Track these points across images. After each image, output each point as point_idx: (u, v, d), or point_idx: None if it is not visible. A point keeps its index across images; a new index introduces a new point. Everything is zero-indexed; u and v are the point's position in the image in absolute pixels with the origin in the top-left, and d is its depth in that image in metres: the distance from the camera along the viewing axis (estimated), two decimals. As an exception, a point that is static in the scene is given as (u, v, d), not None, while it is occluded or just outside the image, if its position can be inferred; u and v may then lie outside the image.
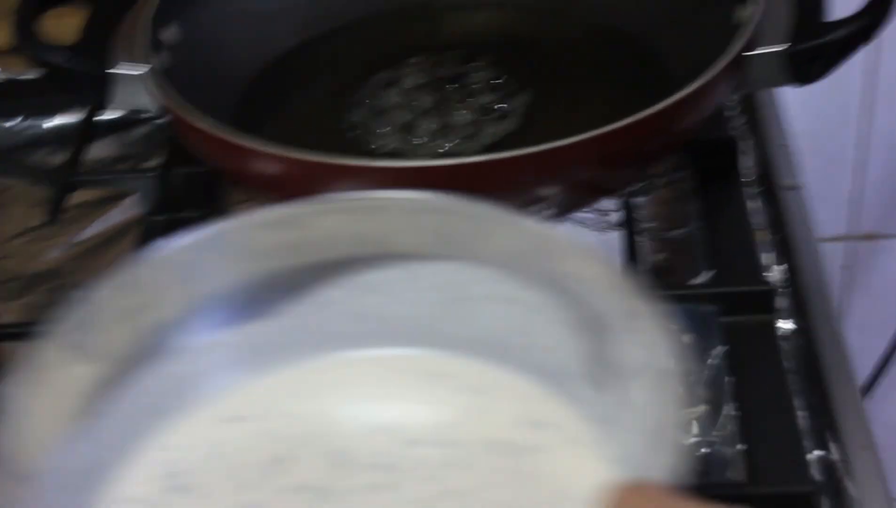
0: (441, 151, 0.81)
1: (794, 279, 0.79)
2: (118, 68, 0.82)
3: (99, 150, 1.00)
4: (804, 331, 0.76)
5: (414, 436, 0.53)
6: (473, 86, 0.86)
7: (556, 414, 0.53)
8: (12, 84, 1.04)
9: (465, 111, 0.84)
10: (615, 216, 0.87)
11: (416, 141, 0.82)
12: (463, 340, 0.56)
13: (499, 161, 0.69)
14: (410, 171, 0.70)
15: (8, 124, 1.03)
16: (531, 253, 0.53)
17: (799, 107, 0.95)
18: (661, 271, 0.85)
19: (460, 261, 0.55)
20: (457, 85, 0.86)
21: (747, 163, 0.88)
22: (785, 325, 0.76)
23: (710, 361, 0.77)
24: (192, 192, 0.89)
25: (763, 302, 0.75)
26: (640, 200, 0.90)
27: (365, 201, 0.55)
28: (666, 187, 0.91)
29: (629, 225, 0.81)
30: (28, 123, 1.03)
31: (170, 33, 0.85)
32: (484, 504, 0.51)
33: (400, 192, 0.55)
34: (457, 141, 0.82)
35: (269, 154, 0.71)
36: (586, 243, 0.52)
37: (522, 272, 0.54)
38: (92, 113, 0.93)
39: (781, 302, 0.77)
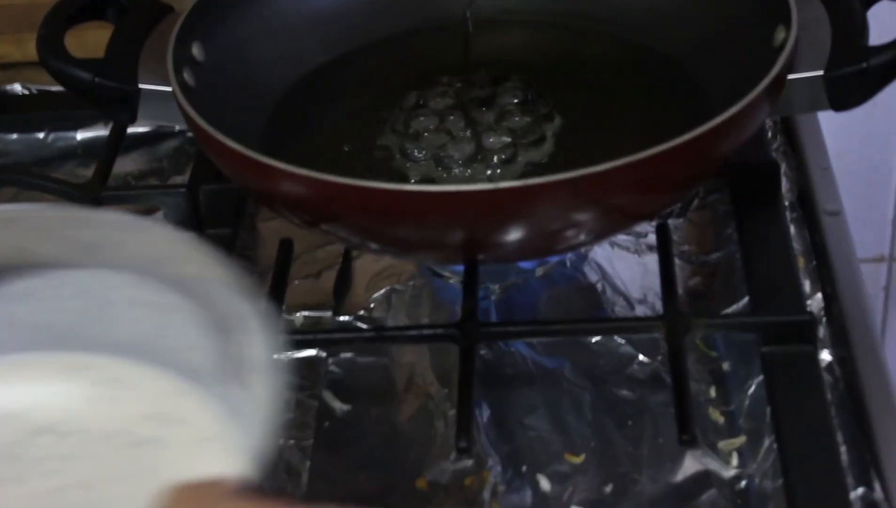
0: (478, 177, 0.79)
1: (834, 309, 0.76)
2: (144, 84, 0.80)
3: (128, 163, 0.99)
4: (846, 362, 0.74)
5: (40, 425, 0.56)
6: (508, 107, 0.84)
7: (188, 409, 0.57)
8: (41, 96, 1.03)
9: (500, 134, 0.81)
10: (651, 238, 0.85)
11: (451, 165, 0.80)
12: (107, 342, 0.58)
13: (534, 187, 0.67)
14: (445, 196, 0.68)
15: (38, 136, 1.02)
16: (161, 258, 0.57)
17: (839, 127, 0.93)
18: (697, 295, 0.83)
19: (100, 268, 0.57)
20: (490, 106, 0.84)
21: (785, 185, 0.86)
22: (826, 356, 0.74)
23: (749, 391, 0.75)
24: (219, 209, 0.88)
25: (804, 332, 0.73)
26: (677, 222, 0.88)
27: (1, 214, 0.58)
28: (702, 209, 0.89)
29: (665, 248, 0.79)
30: (58, 134, 1.02)
31: (196, 50, 0.83)
32: (103, 496, 0.53)
33: (34, 205, 0.60)
34: (494, 167, 0.80)
35: (298, 176, 0.70)
36: (207, 247, 0.57)
37: (156, 276, 0.57)
38: (119, 128, 0.92)
39: (823, 331, 0.76)
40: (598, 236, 0.75)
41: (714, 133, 0.70)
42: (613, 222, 0.74)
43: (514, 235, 0.71)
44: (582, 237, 0.74)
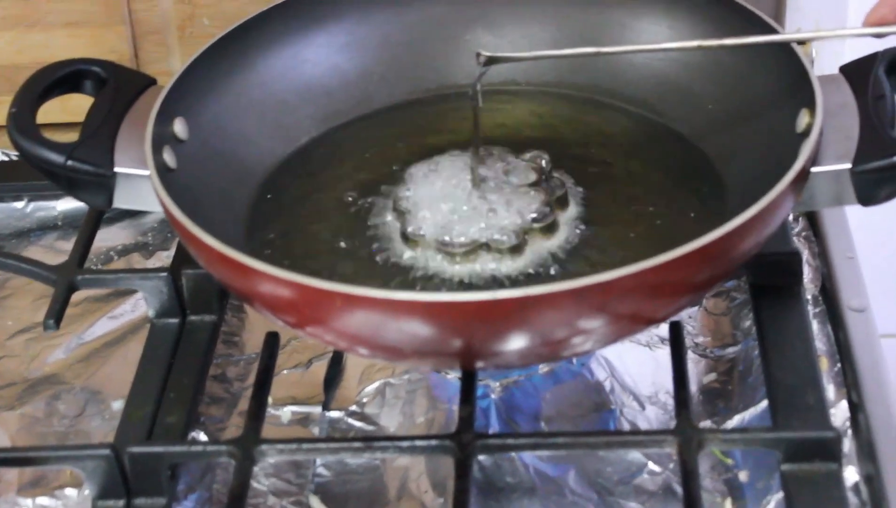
0: (483, 271, 0.74)
1: (861, 420, 0.71)
2: (121, 168, 0.75)
3: (112, 234, 0.94)
4: (873, 481, 0.68)
5: None
6: (519, 186, 0.78)
7: None
8: (21, 163, 0.98)
9: (509, 217, 0.76)
10: (664, 330, 0.79)
11: (454, 254, 0.74)
12: None
13: (536, 297, 0.62)
14: (439, 306, 0.63)
15: (17, 206, 0.97)
16: None
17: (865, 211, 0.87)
18: (713, 394, 0.78)
19: None
20: (500, 183, 0.79)
21: (807, 275, 0.81)
22: (852, 474, 0.68)
23: (768, 507, 0.69)
24: (203, 293, 0.82)
25: (828, 450, 0.67)
26: (691, 310, 0.82)
27: None
28: (717, 297, 0.83)
29: (678, 349, 0.73)
30: (37, 204, 0.97)
31: (178, 127, 0.78)
32: None
33: None
34: (500, 257, 0.74)
35: (279, 279, 0.64)
36: None
37: None
38: (97, 212, 0.86)
39: (848, 444, 0.70)
40: (606, 342, 0.70)
41: (731, 236, 0.65)
42: (622, 329, 0.68)
43: (513, 344, 0.65)
44: (588, 345, 0.69)
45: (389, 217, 0.79)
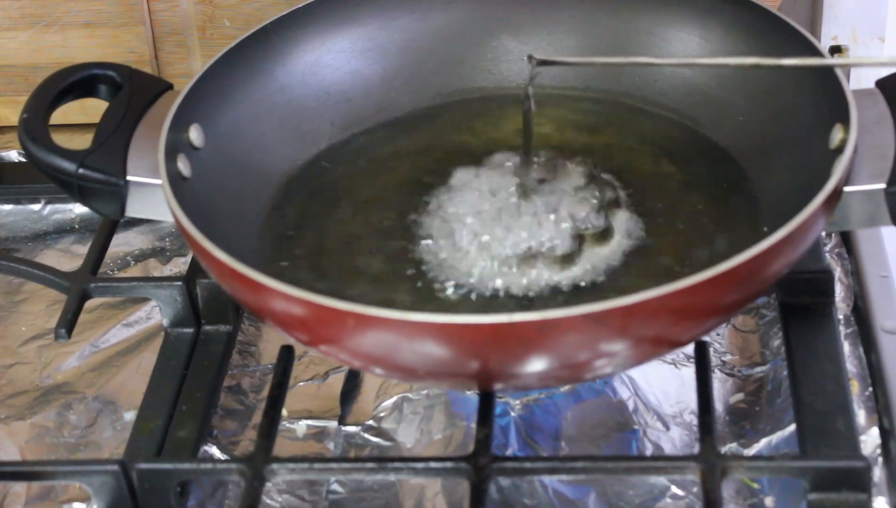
0: (538, 283, 0.71)
1: (892, 447, 0.68)
2: (134, 176, 0.73)
3: (129, 238, 0.93)
4: (904, 514, 0.66)
5: None
6: (569, 191, 0.75)
7: None
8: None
9: (555, 227, 0.73)
10: (690, 348, 0.77)
11: (502, 266, 0.72)
12: None
13: (553, 321, 0.60)
14: (450, 328, 0.60)
15: (34, 208, 0.95)
16: None
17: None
18: (739, 415, 0.75)
19: None
20: (550, 189, 0.76)
21: (838, 293, 0.78)
22: (882, 505, 0.66)
23: (795, 537, 0.67)
24: (218, 303, 0.80)
25: (857, 480, 0.65)
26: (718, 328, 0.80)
27: None
28: (746, 314, 0.81)
29: (703, 371, 0.71)
30: (54, 207, 0.95)
31: (194, 134, 0.76)
32: None
33: None
34: (552, 264, 0.72)
35: (292, 297, 0.63)
36: None
37: None
38: (110, 221, 0.85)
39: (878, 474, 0.68)
40: (629, 365, 0.68)
41: (758, 259, 0.62)
42: (645, 352, 0.66)
43: (531, 367, 0.63)
44: (609, 368, 0.67)
45: (429, 227, 0.77)
